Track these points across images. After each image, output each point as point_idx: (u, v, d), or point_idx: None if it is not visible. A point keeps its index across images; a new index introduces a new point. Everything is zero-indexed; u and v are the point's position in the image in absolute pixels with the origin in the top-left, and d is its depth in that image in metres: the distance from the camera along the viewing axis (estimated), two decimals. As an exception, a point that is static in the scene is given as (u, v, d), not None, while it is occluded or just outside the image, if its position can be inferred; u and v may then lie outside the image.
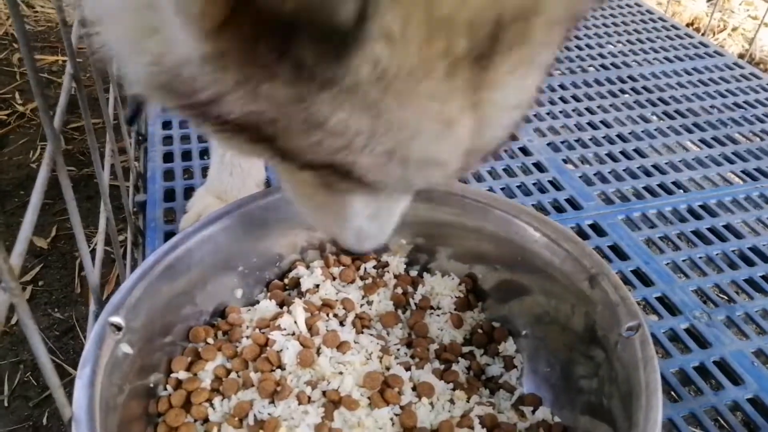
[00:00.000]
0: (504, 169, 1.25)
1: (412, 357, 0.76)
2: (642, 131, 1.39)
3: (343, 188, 0.49)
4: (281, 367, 0.70)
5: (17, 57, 2.41)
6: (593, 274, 0.67)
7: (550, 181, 1.22)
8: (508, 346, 0.77)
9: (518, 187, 1.20)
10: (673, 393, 0.84)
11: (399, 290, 0.83)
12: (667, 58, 1.70)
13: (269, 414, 0.65)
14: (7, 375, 1.42)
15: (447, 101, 0.38)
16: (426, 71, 0.36)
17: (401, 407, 0.67)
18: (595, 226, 1.12)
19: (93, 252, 0.80)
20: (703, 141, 1.38)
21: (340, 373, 0.69)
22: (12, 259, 0.45)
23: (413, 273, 0.87)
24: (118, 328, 0.63)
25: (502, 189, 1.19)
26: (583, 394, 0.67)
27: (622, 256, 1.04)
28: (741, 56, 2.30)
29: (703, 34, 1.94)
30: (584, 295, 0.68)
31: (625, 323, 0.61)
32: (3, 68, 2.37)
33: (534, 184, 1.22)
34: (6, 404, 1.36)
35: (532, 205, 1.16)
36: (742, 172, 1.29)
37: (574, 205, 1.16)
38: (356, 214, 0.56)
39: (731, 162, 1.31)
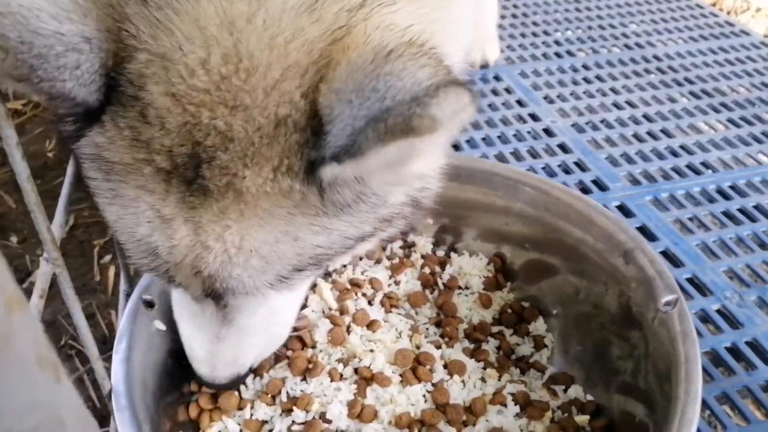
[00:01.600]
0: (528, 151, 1.24)
1: (442, 336, 0.76)
2: (668, 111, 1.37)
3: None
4: (313, 345, 0.70)
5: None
6: (628, 249, 0.66)
7: (575, 162, 1.21)
8: (538, 326, 0.77)
9: (543, 168, 1.19)
10: (705, 374, 0.83)
11: (426, 270, 0.83)
12: (692, 38, 1.67)
13: (302, 391, 0.65)
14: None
15: (161, 200, 0.47)
16: (136, 168, 0.46)
17: (433, 384, 0.67)
18: (622, 207, 1.10)
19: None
20: (731, 121, 1.35)
21: (371, 350, 0.69)
22: (53, 231, 0.46)
23: (440, 253, 0.86)
24: (151, 305, 0.63)
25: (527, 170, 1.18)
26: (618, 375, 0.66)
27: (651, 237, 1.03)
28: (766, 36, 2.25)
29: (727, 14, 1.90)
30: (618, 272, 0.67)
31: (663, 297, 0.60)
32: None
33: (559, 165, 1.20)
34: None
35: (558, 186, 1.15)
36: (772, 151, 1.26)
37: (601, 186, 1.15)
38: (189, 328, 0.59)
39: (760, 142, 1.28)
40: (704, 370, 0.82)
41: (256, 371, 0.68)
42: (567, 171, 1.19)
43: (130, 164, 0.46)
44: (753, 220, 1.08)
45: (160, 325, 0.63)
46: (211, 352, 0.58)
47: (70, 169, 0.56)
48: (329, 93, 0.43)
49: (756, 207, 1.11)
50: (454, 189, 0.82)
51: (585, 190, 1.14)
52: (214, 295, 0.52)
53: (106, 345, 1.25)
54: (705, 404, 0.78)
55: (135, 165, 0.46)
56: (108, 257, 1.56)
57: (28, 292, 0.51)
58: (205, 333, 0.58)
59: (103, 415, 1.10)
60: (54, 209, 0.56)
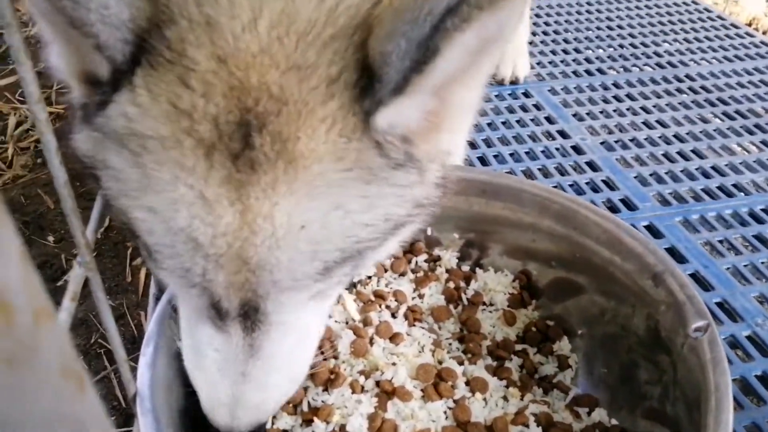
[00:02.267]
0: (556, 168, 1.23)
1: (465, 352, 0.75)
2: (700, 131, 1.35)
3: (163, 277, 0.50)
4: (335, 356, 0.70)
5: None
6: (658, 272, 0.65)
7: (603, 181, 1.20)
8: (562, 346, 0.76)
9: (571, 185, 1.18)
10: (734, 402, 0.81)
11: (451, 285, 0.82)
12: (726, 58, 1.65)
13: (323, 402, 0.65)
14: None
15: (202, 180, 0.43)
16: (174, 142, 0.43)
17: (455, 401, 0.67)
18: (650, 228, 1.08)
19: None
20: (764, 143, 1.32)
21: (393, 363, 0.69)
22: (86, 236, 0.47)
23: (465, 268, 0.86)
24: (177, 310, 0.64)
25: (554, 188, 1.17)
26: (645, 400, 0.65)
27: (680, 259, 1.01)
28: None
29: (763, 34, 1.87)
30: (647, 295, 0.66)
31: (693, 323, 0.59)
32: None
33: (587, 183, 1.19)
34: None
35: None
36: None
37: (629, 205, 1.13)
38: (210, 370, 0.53)
39: (796, 165, 1.25)
40: (734, 398, 0.81)
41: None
42: (595, 189, 1.18)
43: (168, 138, 0.43)
44: (787, 245, 1.06)
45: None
46: (234, 396, 0.53)
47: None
48: (379, 41, 0.42)
49: (791, 232, 1.08)
50: (481, 204, 0.82)
51: (613, 209, 1.12)
52: (251, 308, 0.49)
53: (134, 345, 1.26)
54: (733, 433, 0.76)
55: (174, 138, 0.43)
56: (140, 259, 1.59)
57: (62, 290, 0.52)
58: (228, 372, 0.52)
59: (128, 414, 1.11)
60: (91, 212, 0.57)
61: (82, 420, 0.20)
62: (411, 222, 0.53)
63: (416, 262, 0.84)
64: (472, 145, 1.29)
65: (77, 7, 0.39)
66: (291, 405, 0.65)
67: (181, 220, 0.44)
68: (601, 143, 1.31)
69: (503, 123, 1.38)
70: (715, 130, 1.35)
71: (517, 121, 1.38)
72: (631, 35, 1.76)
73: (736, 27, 1.81)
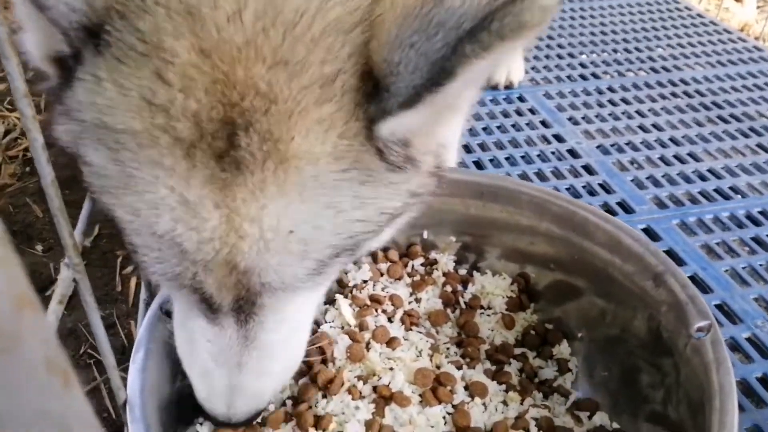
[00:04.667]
0: (552, 171, 1.22)
1: (463, 356, 0.74)
2: (695, 135, 1.35)
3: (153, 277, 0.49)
4: (332, 361, 0.68)
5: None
6: (658, 272, 0.64)
7: (600, 184, 1.19)
8: (562, 349, 0.75)
9: (567, 189, 1.17)
10: (735, 404, 0.80)
11: (448, 288, 0.81)
12: (719, 62, 1.65)
13: (322, 409, 0.64)
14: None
15: (183, 181, 0.41)
16: (149, 139, 0.40)
17: (454, 406, 0.65)
18: (648, 231, 1.08)
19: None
20: (760, 146, 1.32)
21: (391, 368, 0.67)
22: (75, 238, 0.45)
23: (462, 271, 0.84)
24: (169, 314, 0.62)
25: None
26: (648, 403, 0.64)
27: (678, 261, 1.00)
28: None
29: (756, 40, 1.88)
30: (648, 296, 0.65)
31: (695, 324, 0.58)
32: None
33: (583, 186, 1.18)
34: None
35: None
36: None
37: (626, 208, 1.13)
38: (204, 361, 0.52)
39: (791, 168, 1.25)
40: (735, 401, 0.80)
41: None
42: (592, 193, 1.17)
43: (141, 133, 0.40)
44: (784, 247, 1.05)
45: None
46: (230, 386, 0.52)
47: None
48: (383, 46, 0.41)
49: (788, 234, 1.08)
50: (478, 207, 0.81)
51: (610, 212, 1.11)
52: (245, 302, 0.47)
53: (124, 355, 1.24)
54: (736, 437, 0.75)
55: (147, 134, 0.40)
56: (130, 268, 1.57)
57: (50, 300, 0.50)
58: (223, 362, 0.51)
59: (118, 425, 1.09)
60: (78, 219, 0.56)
61: (67, 417, 0.19)
62: (406, 212, 0.51)
63: (413, 266, 0.83)
64: (468, 149, 1.28)
65: None
66: (288, 413, 0.64)
67: (163, 224, 0.42)
68: (597, 147, 1.30)
69: (498, 127, 1.37)
70: (710, 134, 1.35)
71: (513, 125, 1.38)
72: (625, 40, 1.76)
73: (729, 32, 1.82)
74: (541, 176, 1.22)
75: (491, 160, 1.26)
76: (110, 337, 1.59)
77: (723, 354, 0.55)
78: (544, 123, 1.39)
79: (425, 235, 0.85)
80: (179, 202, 0.41)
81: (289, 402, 0.66)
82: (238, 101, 0.40)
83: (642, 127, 1.38)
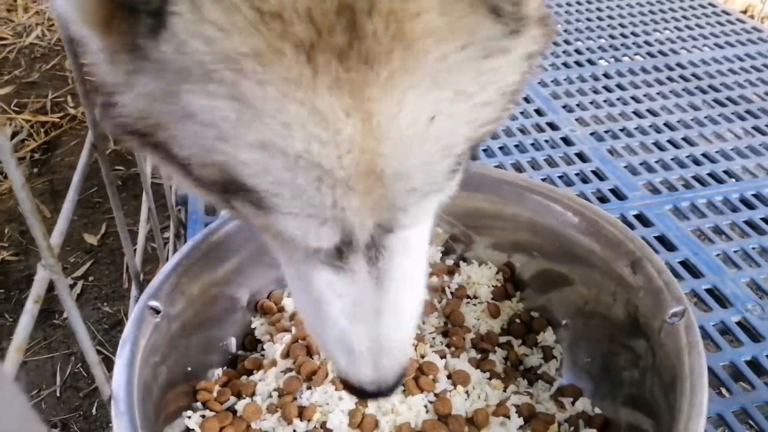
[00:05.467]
0: (545, 160, 1.23)
1: (448, 346, 0.75)
2: (691, 119, 1.34)
3: (262, 224, 0.44)
4: (318, 353, 0.70)
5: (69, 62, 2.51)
6: (636, 259, 0.64)
7: (593, 171, 1.19)
8: (547, 337, 0.75)
9: (560, 177, 1.17)
10: (723, 388, 0.80)
11: (435, 279, 0.82)
12: (717, 45, 1.64)
13: (307, 399, 0.65)
14: (59, 366, 1.48)
15: (312, 89, 0.36)
16: (274, 53, 0.36)
17: (436, 395, 0.66)
18: (640, 217, 1.08)
19: (136, 239, 0.82)
20: (756, 128, 1.31)
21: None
22: (52, 239, 0.47)
23: (450, 262, 0.85)
24: (157, 311, 0.64)
25: (543, 180, 1.17)
26: (624, 387, 0.64)
27: (670, 246, 1.00)
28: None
29: (761, 22, 1.86)
30: (626, 282, 0.66)
31: (670, 309, 0.58)
32: (56, 73, 2.47)
33: (577, 174, 1.18)
34: (58, 394, 1.42)
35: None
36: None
37: (619, 195, 1.13)
38: (340, 320, 0.46)
39: (786, 149, 1.24)
40: (723, 384, 0.80)
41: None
42: (585, 180, 1.17)
43: (262, 48, 0.35)
44: (777, 229, 1.05)
45: (164, 329, 0.63)
46: (372, 344, 0.47)
47: (76, 177, 0.57)
48: None
49: (781, 217, 1.07)
50: (464, 197, 0.81)
51: (603, 200, 1.12)
52: (383, 229, 0.42)
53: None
54: (723, 420, 0.76)
55: (271, 48, 0.35)
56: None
57: (57, 299, 0.52)
58: (361, 317, 0.46)
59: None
60: (90, 218, 0.57)
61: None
62: (521, 89, 0.46)
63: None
64: (461, 140, 1.28)
65: None
66: (274, 405, 0.65)
67: (297, 144, 0.38)
68: (591, 134, 1.30)
69: (493, 117, 1.37)
70: (706, 117, 1.34)
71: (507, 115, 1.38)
72: (622, 25, 1.75)
73: (728, 14, 1.80)
74: (534, 165, 1.22)
75: (485, 150, 1.26)
76: (117, 333, 1.62)
77: (696, 338, 0.56)
78: (538, 111, 1.39)
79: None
80: (310, 115, 0.37)
81: (275, 394, 0.67)
82: None
83: (637, 113, 1.37)
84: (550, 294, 0.78)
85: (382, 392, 0.49)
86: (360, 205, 0.40)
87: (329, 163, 0.38)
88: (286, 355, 0.70)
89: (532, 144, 1.28)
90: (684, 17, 1.78)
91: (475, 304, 0.80)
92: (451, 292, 0.81)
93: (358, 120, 0.37)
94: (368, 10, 0.35)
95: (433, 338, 0.76)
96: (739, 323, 0.88)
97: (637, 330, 0.63)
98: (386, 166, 0.39)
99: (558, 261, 0.77)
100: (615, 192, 1.14)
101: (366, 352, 0.47)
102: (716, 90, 1.44)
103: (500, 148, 1.26)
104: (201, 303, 0.70)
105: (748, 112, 1.36)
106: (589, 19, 1.77)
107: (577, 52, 1.62)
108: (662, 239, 1.02)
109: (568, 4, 1.86)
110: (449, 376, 0.69)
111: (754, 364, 0.83)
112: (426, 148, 0.40)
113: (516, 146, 1.27)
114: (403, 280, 0.46)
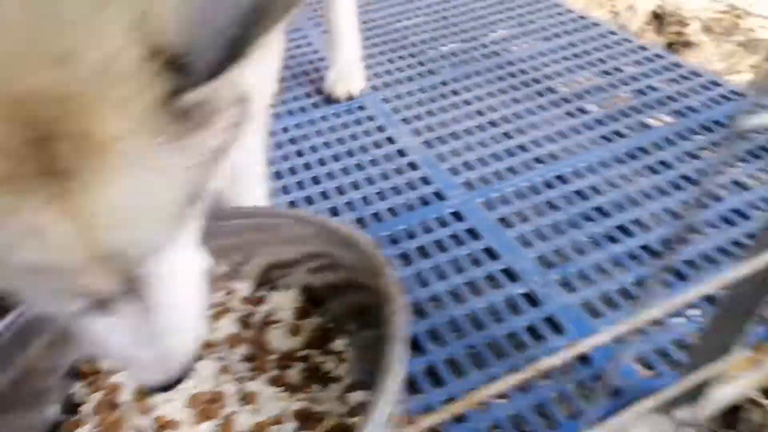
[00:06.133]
0: (380, 174, 1.33)
1: (253, 370, 0.83)
2: (512, 114, 1.46)
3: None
4: (119, 405, 0.77)
5: None
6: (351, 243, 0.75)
7: (420, 178, 1.30)
8: (338, 343, 0.85)
9: (392, 188, 1.27)
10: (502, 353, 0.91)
11: (245, 311, 0.91)
12: (546, 38, 1.77)
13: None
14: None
15: (24, 210, 0.42)
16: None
17: (225, 418, 0.75)
18: (457, 215, 1.18)
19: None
20: (569, 113, 1.44)
21: (170, 400, 0.77)
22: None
23: (264, 293, 0.94)
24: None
25: (377, 194, 1.27)
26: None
27: (476, 237, 1.11)
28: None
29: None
30: (371, 277, 0.75)
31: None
32: None
33: (406, 183, 1.29)
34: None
35: (401, 204, 1.24)
36: (602, 137, 1.35)
37: (441, 196, 1.24)
38: (119, 339, 0.54)
39: (590, 129, 1.37)
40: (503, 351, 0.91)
41: None
42: (412, 187, 1.28)
43: None
44: (571, 203, 1.17)
45: None
46: (154, 352, 0.56)
47: None
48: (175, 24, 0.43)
49: (578, 192, 1.19)
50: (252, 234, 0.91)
51: (425, 203, 1.22)
52: (129, 280, 0.50)
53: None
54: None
55: None
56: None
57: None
58: (138, 338, 0.54)
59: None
60: None
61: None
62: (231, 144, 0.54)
63: (210, 300, 0.92)
64: (308, 166, 1.38)
65: None
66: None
67: (24, 254, 0.43)
68: (423, 143, 1.41)
69: (338, 140, 1.47)
70: (525, 110, 1.47)
71: (351, 136, 1.48)
72: (463, 30, 1.87)
73: (558, 5, 1.94)
74: (370, 181, 1.32)
75: (328, 174, 1.36)
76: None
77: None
78: (380, 128, 1.50)
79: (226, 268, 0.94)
80: (27, 232, 0.42)
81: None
82: (33, 115, 0.40)
83: (468, 115, 1.49)
84: (340, 302, 0.88)
85: (170, 386, 0.61)
86: (96, 279, 0.47)
87: (55, 262, 0.45)
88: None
89: (371, 161, 1.38)
90: (519, 15, 1.91)
91: (278, 328, 0.88)
92: (261, 321, 0.90)
93: (70, 224, 0.43)
94: (51, 136, 0.41)
95: (243, 366, 0.84)
96: (525, 294, 0.99)
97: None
98: (106, 248, 0.46)
99: (338, 274, 0.86)
100: (438, 194, 1.25)
101: (147, 360, 0.57)
102: (537, 82, 1.57)
103: (342, 170, 1.36)
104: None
105: (563, 99, 1.49)
106: (435, 30, 1.88)
107: (420, 63, 1.72)
108: (472, 232, 1.13)
109: (416, 16, 1.96)
110: (244, 398, 0.78)
111: (532, 329, 0.94)
112: (140, 225, 0.47)
113: (357, 165, 1.37)
114: (169, 300, 0.54)
